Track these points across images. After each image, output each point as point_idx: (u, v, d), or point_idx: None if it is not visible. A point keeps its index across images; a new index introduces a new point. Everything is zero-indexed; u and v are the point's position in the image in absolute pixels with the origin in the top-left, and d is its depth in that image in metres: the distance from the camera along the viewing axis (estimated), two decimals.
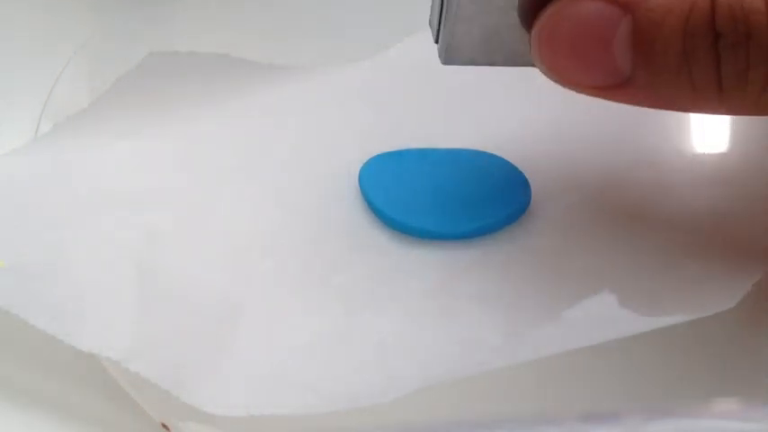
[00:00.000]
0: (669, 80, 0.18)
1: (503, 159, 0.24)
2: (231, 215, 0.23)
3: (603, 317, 0.20)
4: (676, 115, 0.23)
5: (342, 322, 0.21)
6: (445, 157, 0.24)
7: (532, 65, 0.21)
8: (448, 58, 0.21)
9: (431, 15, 0.22)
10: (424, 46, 0.22)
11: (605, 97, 0.20)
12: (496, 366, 0.19)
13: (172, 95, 0.26)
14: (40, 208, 0.22)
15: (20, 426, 0.20)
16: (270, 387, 0.19)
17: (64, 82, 0.28)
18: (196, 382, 0.19)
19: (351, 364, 0.20)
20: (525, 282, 0.21)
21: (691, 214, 0.23)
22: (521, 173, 0.24)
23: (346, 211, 0.23)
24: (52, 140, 0.25)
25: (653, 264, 0.22)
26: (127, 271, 0.21)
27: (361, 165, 0.24)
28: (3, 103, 0.28)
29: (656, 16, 0.18)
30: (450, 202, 0.23)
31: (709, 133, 0.25)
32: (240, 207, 0.23)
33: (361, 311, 0.21)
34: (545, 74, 0.20)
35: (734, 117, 0.24)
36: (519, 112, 0.25)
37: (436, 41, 0.21)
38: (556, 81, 0.20)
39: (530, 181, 0.23)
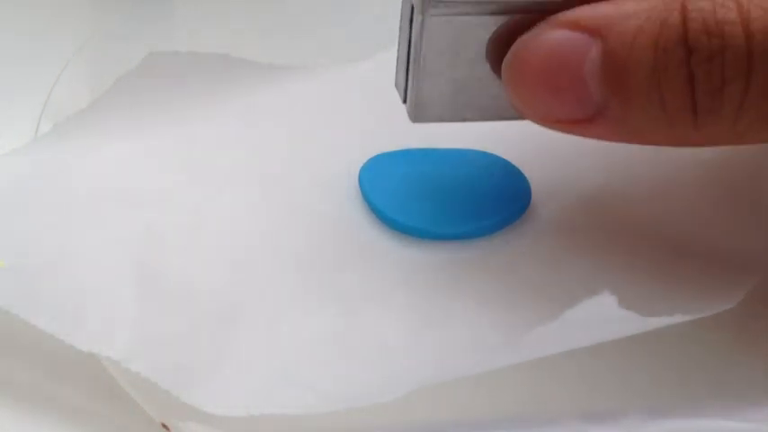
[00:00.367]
0: (641, 105, 0.18)
1: (503, 159, 0.24)
2: (231, 215, 0.23)
3: (603, 317, 0.20)
4: None
5: (341, 322, 0.21)
6: (445, 157, 0.24)
7: (503, 119, 0.21)
8: (417, 115, 0.21)
9: (396, 76, 0.21)
10: None
11: (579, 133, 0.19)
12: (496, 366, 0.19)
13: (172, 95, 0.26)
14: (40, 208, 0.22)
15: (20, 426, 0.20)
16: (270, 387, 0.19)
17: (64, 82, 0.28)
18: (196, 382, 0.19)
19: (351, 364, 0.20)
20: (525, 282, 0.21)
21: (691, 214, 0.23)
22: (521, 173, 0.24)
23: (346, 211, 0.23)
24: (52, 140, 0.25)
25: (653, 264, 0.22)
26: (127, 271, 0.21)
27: (361, 165, 0.24)
28: (3, 103, 0.28)
29: (625, 38, 0.17)
30: (450, 202, 0.23)
31: None
32: (240, 207, 0.23)
33: (361, 311, 0.21)
34: (518, 109, 0.19)
35: None
36: None
37: (404, 101, 0.21)
38: (529, 117, 0.19)
39: (530, 181, 0.23)
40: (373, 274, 0.22)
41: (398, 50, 0.21)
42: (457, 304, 0.21)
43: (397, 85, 0.21)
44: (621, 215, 0.23)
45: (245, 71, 0.27)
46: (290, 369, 0.20)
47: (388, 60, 0.26)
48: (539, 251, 0.22)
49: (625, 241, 0.22)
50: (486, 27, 0.20)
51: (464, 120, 0.21)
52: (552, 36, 0.18)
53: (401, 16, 0.20)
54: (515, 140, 0.24)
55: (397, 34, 0.21)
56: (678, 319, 0.20)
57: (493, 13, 0.19)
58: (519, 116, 0.20)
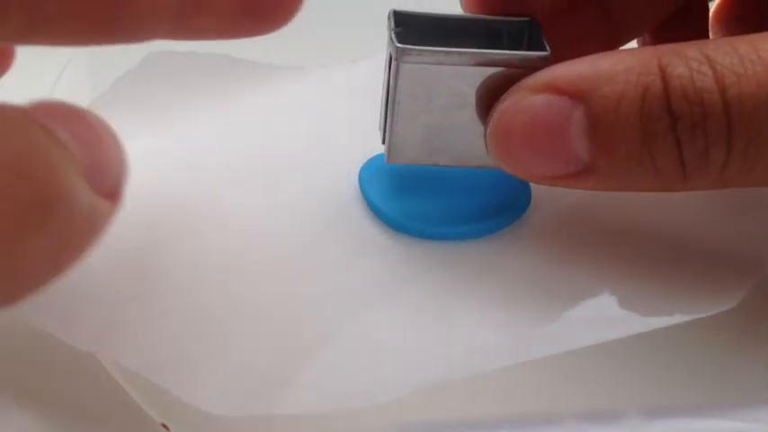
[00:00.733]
0: (631, 166, 0.19)
1: None
2: (231, 215, 0.23)
3: (603, 317, 0.20)
4: None
5: (341, 322, 0.21)
6: None
7: (479, 165, 0.21)
8: (392, 157, 0.22)
9: (379, 118, 0.22)
10: None
11: (567, 185, 0.20)
12: (496, 366, 0.19)
13: (172, 95, 0.26)
14: None
15: (19, 426, 0.20)
16: (270, 387, 0.19)
17: (64, 82, 0.28)
18: (196, 382, 0.19)
19: (350, 364, 0.20)
20: (525, 282, 0.21)
21: (692, 214, 0.23)
22: None
23: (346, 211, 0.23)
24: None
25: (653, 264, 0.22)
26: (127, 271, 0.21)
27: (361, 165, 0.24)
28: None
29: (609, 103, 0.18)
30: (449, 202, 0.23)
31: None
32: (240, 207, 0.23)
33: (361, 311, 0.21)
34: (504, 169, 0.20)
35: None
36: None
37: (383, 142, 0.22)
38: (515, 175, 0.20)
39: None
40: (373, 274, 0.22)
41: (381, 94, 0.22)
42: (457, 304, 0.21)
43: (379, 126, 0.22)
44: (621, 216, 0.23)
45: (245, 71, 0.27)
46: (289, 369, 0.20)
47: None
48: (538, 252, 0.22)
49: (625, 242, 0.22)
50: (458, 76, 0.20)
51: (437, 164, 0.22)
52: (535, 102, 0.19)
53: (385, 61, 0.21)
54: None
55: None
56: (678, 319, 0.20)
57: (465, 64, 0.20)
58: (495, 165, 0.20)
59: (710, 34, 0.26)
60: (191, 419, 0.19)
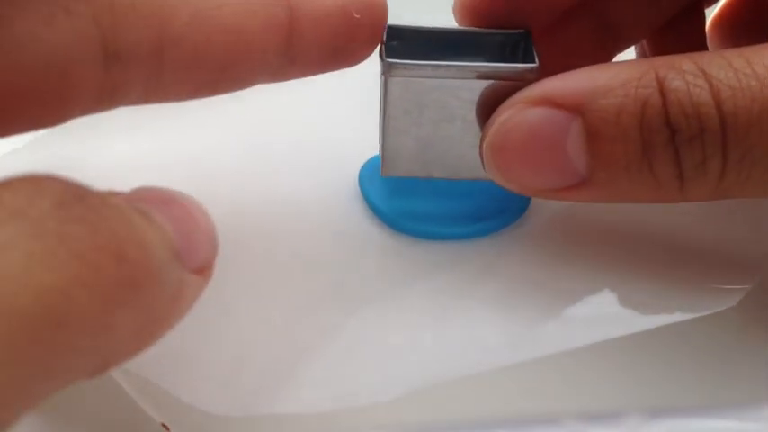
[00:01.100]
0: (631, 177, 0.19)
1: None
2: (231, 215, 0.23)
3: (603, 316, 0.20)
4: None
5: (341, 322, 0.21)
6: None
7: (472, 178, 0.22)
8: (386, 170, 0.22)
9: (378, 132, 0.22)
10: None
11: (564, 198, 0.20)
12: (496, 366, 0.19)
13: None
14: None
15: (19, 425, 0.20)
16: (270, 387, 0.19)
17: None
18: (196, 382, 0.19)
19: (350, 364, 0.20)
20: (525, 282, 0.21)
21: (691, 213, 0.23)
22: None
23: (346, 211, 0.23)
24: (52, 140, 0.25)
25: (652, 263, 0.22)
26: None
27: (361, 165, 0.24)
28: None
29: (608, 116, 0.18)
30: (450, 202, 0.23)
31: None
32: (240, 207, 0.23)
33: (361, 311, 0.21)
34: (500, 183, 0.20)
35: None
36: None
37: (380, 155, 0.22)
38: (512, 189, 0.20)
39: None
40: (373, 274, 0.22)
41: (378, 107, 0.22)
42: (456, 304, 0.21)
43: (378, 140, 0.22)
44: (620, 216, 0.23)
45: None
46: (289, 369, 0.20)
47: None
48: (538, 252, 0.22)
49: (624, 241, 0.22)
50: (447, 90, 0.21)
51: (431, 176, 0.22)
52: (531, 115, 0.19)
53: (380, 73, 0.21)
54: None
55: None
56: (678, 318, 0.20)
57: (452, 78, 0.20)
58: (488, 178, 0.21)
59: (708, 40, 0.26)
60: (191, 419, 0.19)
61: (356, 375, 0.19)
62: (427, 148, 0.22)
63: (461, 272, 0.22)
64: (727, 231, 0.22)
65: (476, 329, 0.20)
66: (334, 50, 0.20)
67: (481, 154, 0.20)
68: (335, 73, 0.27)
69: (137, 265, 0.15)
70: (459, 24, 0.22)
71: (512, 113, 0.19)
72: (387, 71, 0.20)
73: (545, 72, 0.20)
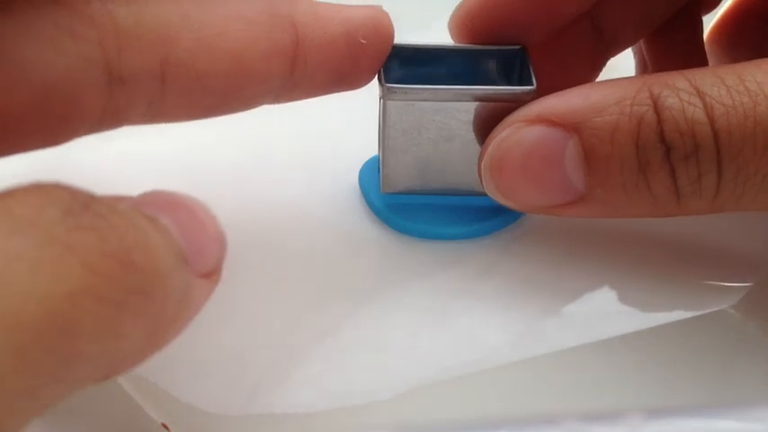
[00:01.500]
0: (628, 194, 0.19)
1: None
2: (230, 215, 0.23)
3: (603, 315, 0.20)
4: None
5: (341, 322, 0.21)
6: None
7: (468, 194, 0.22)
8: (386, 187, 0.22)
9: (377, 150, 0.22)
10: None
11: (563, 214, 0.20)
12: (496, 366, 0.19)
13: None
14: None
15: None
16: (270, 386, 0.19)
17: None
18: (196, 382, 0.19)
19: (350, 363, 0.20)
20: (525, 281, 0.21)
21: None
22: None
23: (346, 211, 0.23)
24: None
25: (652, 262, 0.22)
26: None
27: (361, 165, 0.24)
28: None
29: (603, 134, 0.19)
30: (449, 202, 0.23)
31: None
32: (240, 207, 0.23)
33: (361, 311, 0.21)
34: (499, 200, 0.21)
35: None
36: None
37: (380, 173, 0.22)
38: (511, 206, 0.21)
39: None
40: (373, 274, 0.22)
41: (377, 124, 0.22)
42: (456, 304, 0.21)
43: (378, 155, 0.22)
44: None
45: None
46: (289, 368, 0.20)
47: None
48: (538, 251, 0.22)
49: (625, 241, 0.22)
50: (445, 112, 0.21)
51: (430, 193, 0.22)
52: (529, 134, 0.20)
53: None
54: None
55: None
56: (678, 317, 0.20)
57: (450, 100, 0.21)
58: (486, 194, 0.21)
59: (707, 48, 0.26)
60: (191, 419, 0.19)
61: (356, 375, 0.19)
62: (426, 167, 0.22)
63: (461, 272, 0.22)
64: (727, 229, 0.22)
65: (476, 329, 0.20)
66: (339, 75, 0.20)
67: (480, 172, 0.20)
68: None
69: (144, 272, 0.15)
70: (455, 41, 0.22)
71: (509, 132, 0.20)
72: (385, 95, 0.21)
73: (540, 74, 0.21)
